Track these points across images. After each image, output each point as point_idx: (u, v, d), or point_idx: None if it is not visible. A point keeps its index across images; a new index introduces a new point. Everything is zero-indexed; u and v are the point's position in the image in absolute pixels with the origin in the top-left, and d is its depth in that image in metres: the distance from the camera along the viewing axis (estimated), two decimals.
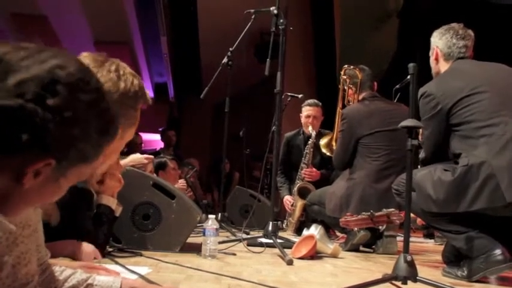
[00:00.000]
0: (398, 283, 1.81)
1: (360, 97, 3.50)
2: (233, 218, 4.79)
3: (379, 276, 1.94)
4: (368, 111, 3.38)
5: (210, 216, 2.53)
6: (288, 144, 4.80)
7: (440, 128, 2.37)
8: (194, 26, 8.18)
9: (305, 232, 2.89)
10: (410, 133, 1.85)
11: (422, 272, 1.83)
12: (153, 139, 12.16)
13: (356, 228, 3.09)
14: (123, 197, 2.60)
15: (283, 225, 4.66)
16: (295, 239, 3.17)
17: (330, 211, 3.34)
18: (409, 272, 1.75)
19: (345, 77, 3.60)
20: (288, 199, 4.56)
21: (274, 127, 4.44)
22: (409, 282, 1.77)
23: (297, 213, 4.32)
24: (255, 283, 1.79)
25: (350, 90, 3.57)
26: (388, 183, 3.16)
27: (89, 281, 1.14)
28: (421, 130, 3.07)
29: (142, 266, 2.03)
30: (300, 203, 4.26)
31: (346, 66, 3.63)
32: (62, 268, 1.14)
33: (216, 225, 2.50)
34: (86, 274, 1.16)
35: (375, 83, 3.59)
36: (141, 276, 1.78)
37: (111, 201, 2.37)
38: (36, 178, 0.79)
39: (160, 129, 11.68)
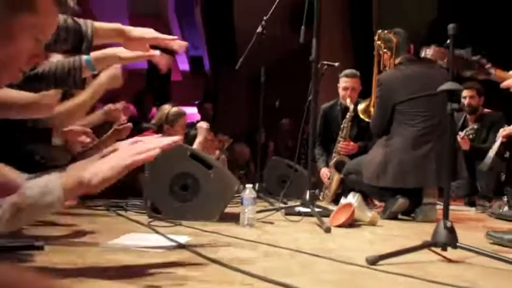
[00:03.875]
0: (438, 249, 1.78)
1: (396, 61, 3.41)
2: (270, 188, 4.81)
3: (418, 243, 1.92)
4: (404, 77, 3.31)
5: (247, 185, 2.55)
6: (325, 116, 4.75)
7: None
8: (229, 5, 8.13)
9: (343, 200, 2.89)
10: (451, 97, 1.79)
11: (463, 238, 1.79)
12: (190, 112, 12.28)
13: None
14: (161, 168, 2.67)
15: (320, 197, 4.65)
16: (333, 208, 3.18)
17: (367, 179, 3.31)
18: (448, 239, 1.73)
19: (379, 42, 3.52)
20: (325, 172, 4.56)
21: (310, 96, 4.43)
22: (448, 248, 1.75)
23: (334, 186, 4.34)
24: (292, 250, 1.81)
25: (385, 55, 3.49)
26: (426, 150, 3.14)
27: None
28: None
29: (181, 235, 2.08)
30: (336, 176, 4.27)
31: (380, 31, 3.55)
32: None
33: (253, 194, 2.52)
34: None
35: (411, 46, 3.48)
36: (181, 245, 1.82)
37: None
38: None
39: (196, 102, 11.78)
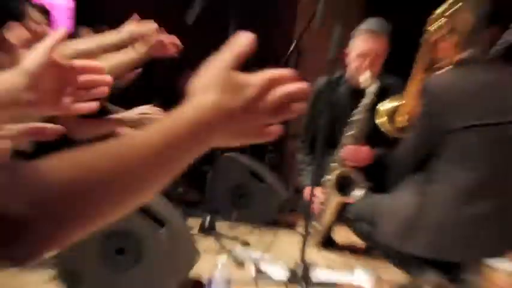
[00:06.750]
0: None
1: (460, 57, 3.46)
2: (218, 202, 5.03)
3: None
4: (466, 88, 3.40)
5: (220, 260, 2.87)
6: (319, 98, 4.59)
7: None
8: None
9: (349, 278, 3.22)
10: None
11: None
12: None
13: None
14: None
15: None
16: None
17: (386, 236, 3.60)
18: None
19: (438, 23, 3.59)
20: (315, 193, 4.23)
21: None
22: None
23: (329, 215, 4.33)
24: None
25: (446, 42, 3.49)
26: (486, 208, 3.40)
27: None
28: None
29: None
30: (336, 199, 4.23)
31: (444, 6, 3.52)
32: None
33: (227, 274, 2.85)
34: None
35: (493, 30, 3.48)
36: None
37: None
38: None
39: None
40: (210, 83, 1.07)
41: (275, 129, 1.12)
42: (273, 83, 1.08)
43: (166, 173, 1.03)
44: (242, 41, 1.12)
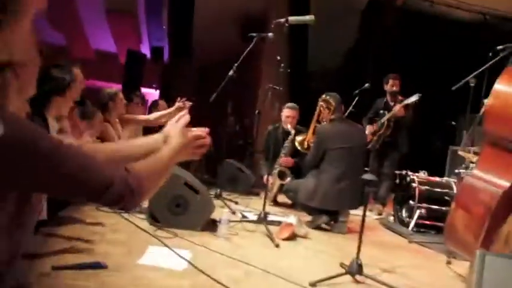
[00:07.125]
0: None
1: (331, 117, 4.18)
2: (221, 185, 5.40)
3: (337, 259, 2.90)
4: (334, 131, 4.09)
5: (224, 210, 3.26)
6: (269, 135, 5.38)
7: None
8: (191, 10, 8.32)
9: (287, 220, 3.65)
10: (369, 184, 2.60)
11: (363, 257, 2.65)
12: (147, 92, 12.57)
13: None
14: (162, 190, 3.28)
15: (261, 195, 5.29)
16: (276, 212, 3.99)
17: (301, 199, 4.11)
18: (358, 271, 2.58)
19: (322, 102, 4.27)
20: (268, 178, 4.85)
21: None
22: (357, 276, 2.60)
23: (275, 190, 5.01)
24: (262, 270, 2.59)
25: (325, 111, 4.23)
26: (344, 185, 3.93)
27: None
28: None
29: (182, 249, 2.78)
30: (278, 183, 4.94)
31: (323, 96, 4.29)
32: None
33: (227, 217, 3.28)
34: None
35: (342, 106, 4.30)
36: (189, 263, 2.52)
37: None
38: None
39: (154, 85, 12.07)
40: (176, 134, 1.33)
41: (199, 153, 1.37)
42: (196, 138, 1.35)
43: (170, 169, 1.26)
44: (183, 121, 1.37)
